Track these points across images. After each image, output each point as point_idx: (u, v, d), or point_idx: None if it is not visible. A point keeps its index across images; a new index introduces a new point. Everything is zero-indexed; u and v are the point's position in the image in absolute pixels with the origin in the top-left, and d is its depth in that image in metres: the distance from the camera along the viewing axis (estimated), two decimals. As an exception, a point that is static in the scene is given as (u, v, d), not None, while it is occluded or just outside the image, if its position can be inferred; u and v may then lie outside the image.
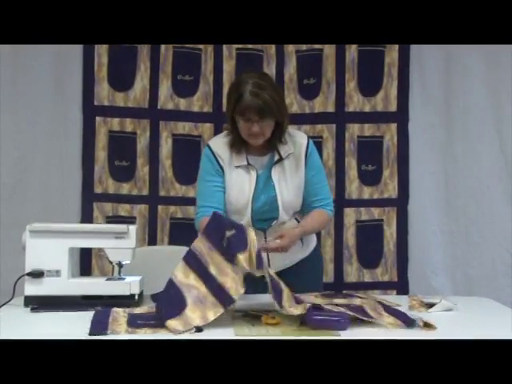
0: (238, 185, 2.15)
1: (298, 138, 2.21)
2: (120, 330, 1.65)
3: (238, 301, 1.96)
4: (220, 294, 1.76)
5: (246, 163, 2.16)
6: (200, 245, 1.85)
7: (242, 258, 1.75)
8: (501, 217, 3.04)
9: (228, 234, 1.80)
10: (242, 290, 1.76)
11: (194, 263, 1.83)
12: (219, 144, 2.19)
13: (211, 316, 1.71)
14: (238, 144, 2.15)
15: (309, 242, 2.30)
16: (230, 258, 1.78)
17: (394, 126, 3.07)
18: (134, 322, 1.73)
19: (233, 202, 2.16)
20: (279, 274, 2.23)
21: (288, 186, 2.16)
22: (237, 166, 2.16)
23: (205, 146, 2.26)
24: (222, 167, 2.16)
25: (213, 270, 1.80)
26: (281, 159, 2.16)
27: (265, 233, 2.17)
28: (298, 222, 2.22)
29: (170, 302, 1.77)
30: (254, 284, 2.19)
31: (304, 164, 2.17)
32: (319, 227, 2.31)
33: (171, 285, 1.81)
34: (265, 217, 2.16)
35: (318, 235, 2.96)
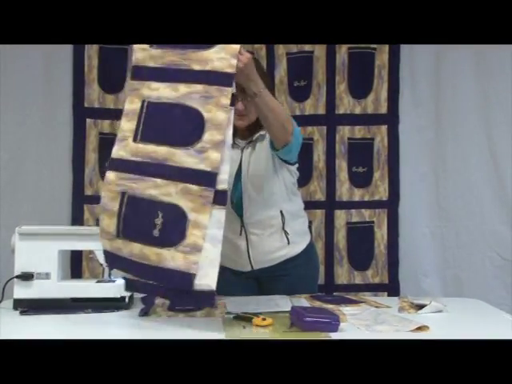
0: None
1: None
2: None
3: (229, 304, 1.97)
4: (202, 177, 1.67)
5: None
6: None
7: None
8: (490, 219, 3.05)
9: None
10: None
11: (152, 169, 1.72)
12: None
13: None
14: None
15: (295, 240, 2.26)
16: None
17: (384, 128, 3.08)
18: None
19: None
20: (267, 274, 2.24)
21: (257, 163, 2.16)
22: None
23: None
24: None
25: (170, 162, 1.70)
26: (251, 141, 2.19)
27: (242, 219, 2.18)
28: (282, 214, 2.20)
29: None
30: (244, 286, 2.20)
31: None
32: (279, 105, 2.02)
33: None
34: (238, 199, 2.18)
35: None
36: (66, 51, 2.93)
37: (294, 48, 3.05)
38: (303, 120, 3.07)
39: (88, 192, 2.99)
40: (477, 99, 3.03)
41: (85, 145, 2.98)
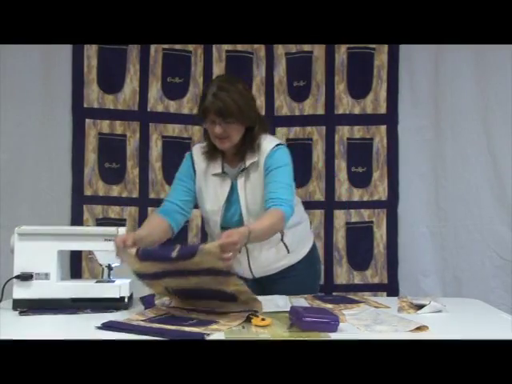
0: (213, 193, 2.14)
1: (264, 145, 2.12)
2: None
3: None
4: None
5: (220, 171, 2.14)
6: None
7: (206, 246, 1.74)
8: (490, 218, 3.06)
9: (174, 253, 1.74)
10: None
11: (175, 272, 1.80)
12: (199, 152, 2.18)
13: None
14: (212, 151, 2.13)
15: (296, 249, 2.24)
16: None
17: (383, 128, 3.08)
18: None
19: (207, 210, 2.16)
20: (268, 279, 2.23)
21: (254, 194, 2.10)
22: (213, 174, 2.15)
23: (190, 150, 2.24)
24: (195, 174, 2.16)
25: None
26: (245, 168, 2.11)
27: None
28: (281, 237, 2.17)
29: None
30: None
31: (264, 168, 2.10)
32: (271, 226, 1.99)
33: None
34: (233, 225, 2.11)
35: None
36: (65, 51, 2.93)
37: (293, 48, 3.06)
38: (302, 120, 3.08)
39: (87, 192, 2.99)
40: (476, 99, 3.04)
41: (84, 145, 2.98)
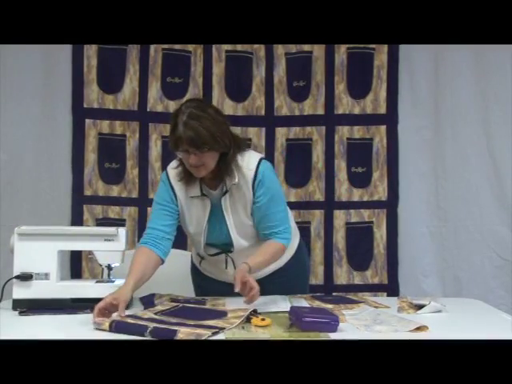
0: (195, 215, 2.10)
1: (245, 167, 2.06)
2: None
3: (228, 304, 1.97)
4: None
5: (200, 194, 2.09)
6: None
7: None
8: (490, 218, 3.06)
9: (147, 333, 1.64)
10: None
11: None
12: (175, 178, 2.10)
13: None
14: (188, 177, 2.06)
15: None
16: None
17: (383, 128, 3.08)
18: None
19: (191, 232, 2.14)
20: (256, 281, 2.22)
21: (240, 215, 2.08)
22: (192, 197, 2.09)
23: (164, 171, 2.15)
24: (176, 196, 2.10)
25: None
26: (227, 191, 2.07)
27: (227, 255, 2.15)
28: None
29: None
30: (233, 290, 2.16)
31: (252, 192, 2.05)
32: (270, 260, 2.08)
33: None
34: (221, 242, 2.12)
35: (308, 237, 2.98)
36: (65, 51, 2.94)
37: (293, 48, 3.06)
38: (302, 120, 3.08)
39: (87, 192, 2.99)
40: (476, 99, 3.04)
41: (84, 145, 2.99)
